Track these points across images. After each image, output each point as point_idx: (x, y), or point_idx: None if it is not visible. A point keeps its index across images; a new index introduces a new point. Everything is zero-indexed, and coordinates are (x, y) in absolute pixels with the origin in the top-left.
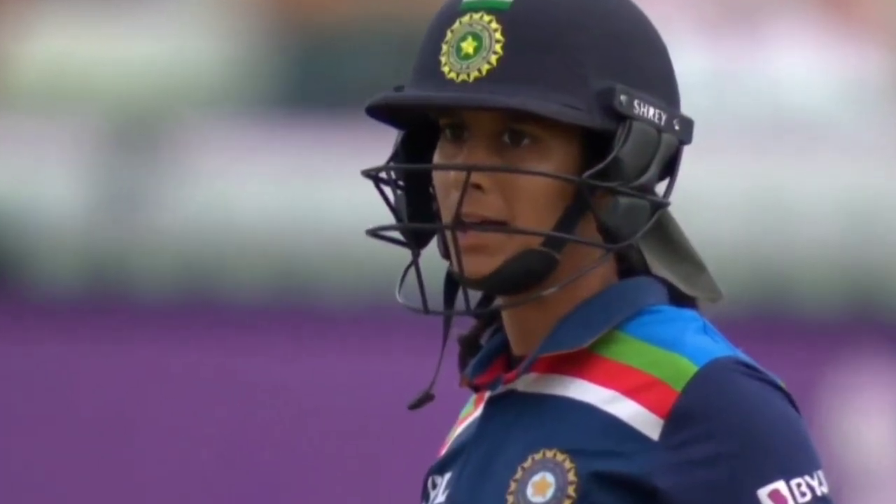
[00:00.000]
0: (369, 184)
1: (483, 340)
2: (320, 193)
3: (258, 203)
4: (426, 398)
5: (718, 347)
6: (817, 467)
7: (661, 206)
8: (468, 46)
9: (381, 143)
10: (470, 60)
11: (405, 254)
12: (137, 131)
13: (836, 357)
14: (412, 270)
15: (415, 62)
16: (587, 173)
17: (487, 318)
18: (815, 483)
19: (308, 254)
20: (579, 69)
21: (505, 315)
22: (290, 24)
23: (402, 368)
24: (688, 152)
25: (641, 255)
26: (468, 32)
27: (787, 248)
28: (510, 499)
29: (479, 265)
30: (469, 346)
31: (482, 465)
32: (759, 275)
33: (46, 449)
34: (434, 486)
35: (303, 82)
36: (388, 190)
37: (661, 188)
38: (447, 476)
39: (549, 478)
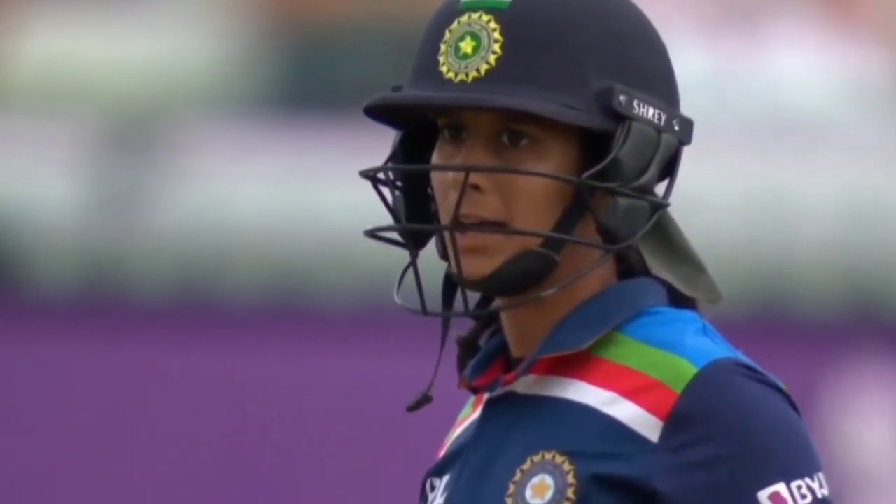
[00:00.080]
0: (367, 184)
1: (482, 342)
2: (318, 194)
3: (255, 204)
4: (424, 400)
5: (718, 349)
6: (818, 469)
7: (660, 206)
8: (467, 46)
9: (379, 144)
10: (468, 60)
11: (403, 255)
12: (134, 131)
13: (836, 359)
14: (410, 271)
15: (413, 62)
16: (586, 174)
17: (486, 319)
18: (815, 485)
19: (306, 254)
20: (578, 69)
21: (504, 316)
22: (286, 23)
23: (399, 370)
24: (687, 153)
25: (641, 256)
26: (467, 32)
27: (787, 249)
28: (509, 501)
29: (478, 266)
30: (468, 348)
31: (481, 468)
32: (759, 276)
33: (43, 450)
34: (432, 488)
35: (300, 82)
36: (386, 191)
37: (660, 189)
38: (445, 478)
39: (548, 480)
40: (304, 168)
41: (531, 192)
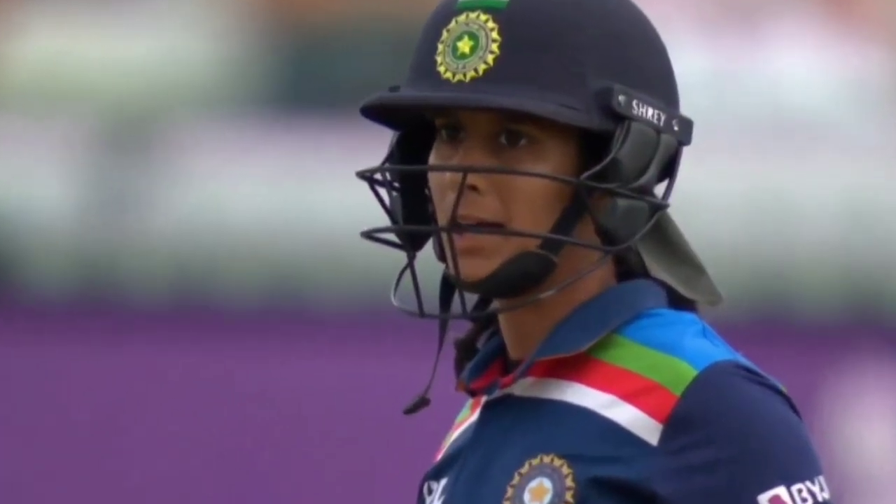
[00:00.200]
0: (364, 185)
1: (479, 344)
2: (314, 195)
3: (251, 204)
4: (422, 403)
5: (718, 351)
6: (818, 473)
7: (660, 207)
8: (464, 46)
9: (376, 144)
10: (466, 60)
11: (400, 256)
12: (130, 132)
13: (837, 361)
14: (407, 273)
15: (410, 62)
16: (585, 174)
17: (484, 321)
18: (816, 489)
19: (302, 256)
20: (577, 69)
21: (502, 318)
22: (283, 23)
23: (397, 372)
24: (687, 153)
25: (640, 257)
26: (464, 32)
27: (787, 250)
28: None
29: (476, 268)
30: (465, 350)
31: (479, 471)
32: (759, 277)
33: (38, 451)
34: (430, 491)
35: (296, 82)
36: (383, 191)
37: (659, 189)
38: (443, 482)
39: (547, 483)
40: (301, 168)
41: (529, 192)
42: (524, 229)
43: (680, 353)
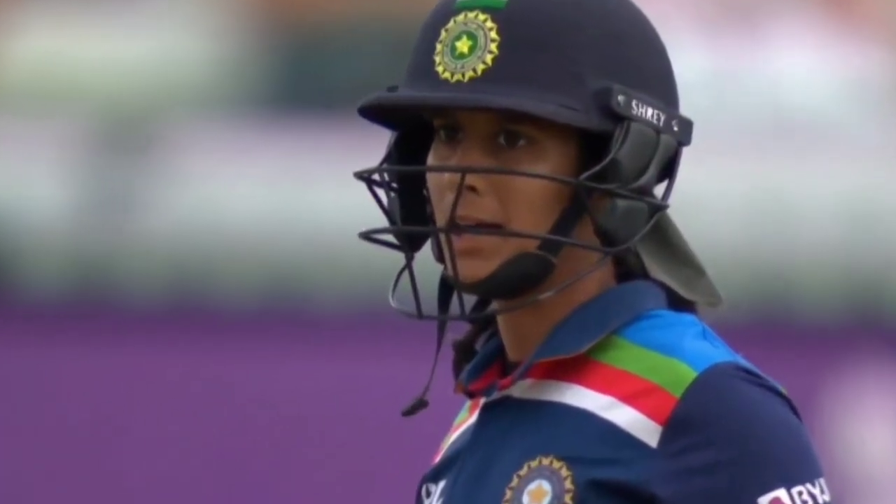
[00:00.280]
0: (362, 186)
1: (478, 346)
2: (311, 195)
3: (248, 205)
4: (420, 404)
5: (718, 353)
6: (819, 475)
7: (659, 208)
8: (463, 46)
9: (374, 145)
10: (465, 60)
11: (399, 257)
12: (126, 132)
13: (837, 363)
14: (405, 274)
15: (408, 62)
16: (584, 175)
17: (482, 322)
18: (816, 491)
19: (299, 257)
20: (576, 69)
21: (500, 320)
22: (280, 23)
23: (395, 374)
24: (687, 153)
25: (639, 258)
26: (463, 31)
27: (787, 252)
28: None
29: (474, 269)
30: (464, 352)
31: (477, 473)
32: (759, 279)
33: (34, 453)
34: (428, 494)
35: (293, 83)
36: (381, 192)
37: (659, 190)
38: (441, 484)
39: (546, 486)
40: (298, 169)
41: (528, 193)
42: (523, 230)
43: (680, 355)
